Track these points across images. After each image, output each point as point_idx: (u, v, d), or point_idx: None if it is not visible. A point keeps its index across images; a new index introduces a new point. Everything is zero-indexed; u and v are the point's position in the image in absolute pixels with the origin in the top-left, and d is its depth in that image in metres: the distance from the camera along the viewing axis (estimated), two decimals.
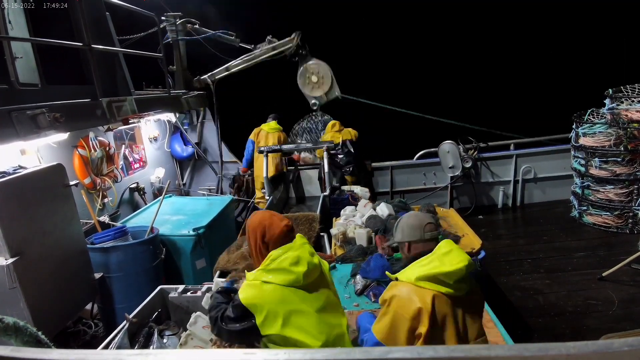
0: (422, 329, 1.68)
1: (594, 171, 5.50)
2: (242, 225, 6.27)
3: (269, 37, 6.11)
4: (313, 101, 6.28)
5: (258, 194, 6.50)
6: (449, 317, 1.71)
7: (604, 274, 4.17)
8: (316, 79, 6.07)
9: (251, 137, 6.41)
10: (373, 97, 6.57)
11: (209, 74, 6.36)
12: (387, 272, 2.04)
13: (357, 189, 5.15)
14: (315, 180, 6.87)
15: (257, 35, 6.28)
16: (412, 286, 1.75)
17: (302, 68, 6.12)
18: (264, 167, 5.74)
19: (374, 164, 7.13)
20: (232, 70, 6.28)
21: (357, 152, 6.22)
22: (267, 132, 6.31)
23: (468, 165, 6.23)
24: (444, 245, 1.83)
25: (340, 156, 6.09)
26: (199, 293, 2.22)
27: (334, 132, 6.34)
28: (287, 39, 6.03)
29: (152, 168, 6.25)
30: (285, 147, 6.09)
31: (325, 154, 5.73)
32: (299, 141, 7.18)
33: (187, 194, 7.12)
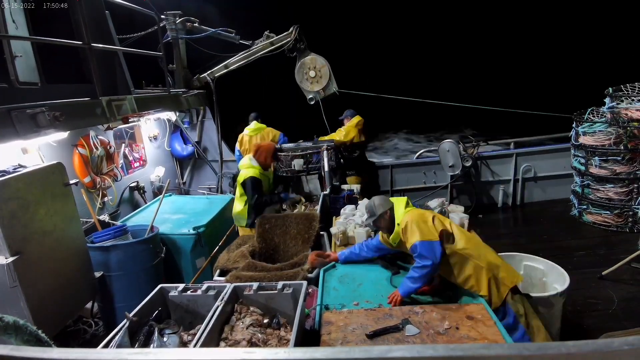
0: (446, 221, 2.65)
1: (594, 170, 5.50)
2: None
3: (266, 32, 6.04)
4: (310, 96, 6.18)
5: None
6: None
7: (603, 273, 4.18)
8: (314, 74, 6.00)
9: (237, 146, 6.17)
10: (373, 92, 6.51)
11: (208, 72, 6.34)
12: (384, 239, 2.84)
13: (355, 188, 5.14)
14: (315, 179, 6.85)
15: (256, 32, 6.24)
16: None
17: (299, 63, 6.04)
18: None
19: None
20: (231, 67, 6.25)
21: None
22: (250, 136, 6.02)
23: (468, 164, 6.22)
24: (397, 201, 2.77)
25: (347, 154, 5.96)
26: (199, 292, 2.22)
27: (352, 127, 5.89)
28: (285, 33, 5.97)
29: (152, 167, 6.25)
30: (284, 146, 6.07)
31: (325, 153, 5.71)
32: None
33: (187, 192, 7.12)
